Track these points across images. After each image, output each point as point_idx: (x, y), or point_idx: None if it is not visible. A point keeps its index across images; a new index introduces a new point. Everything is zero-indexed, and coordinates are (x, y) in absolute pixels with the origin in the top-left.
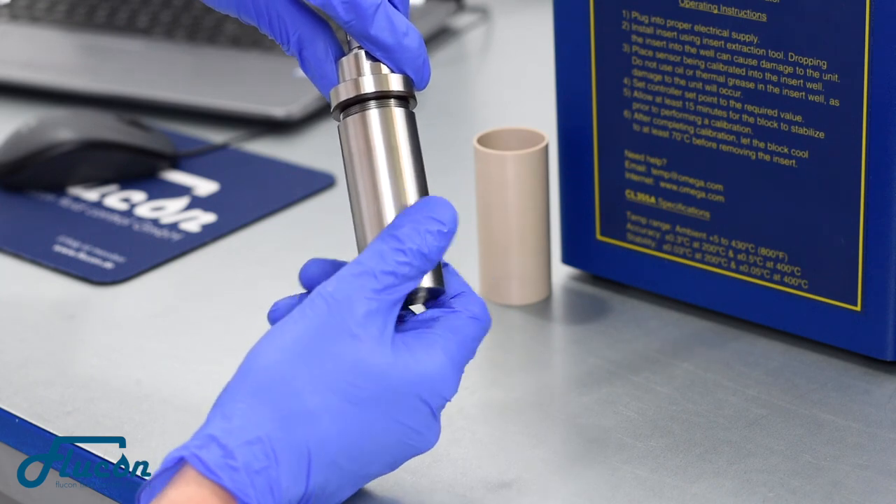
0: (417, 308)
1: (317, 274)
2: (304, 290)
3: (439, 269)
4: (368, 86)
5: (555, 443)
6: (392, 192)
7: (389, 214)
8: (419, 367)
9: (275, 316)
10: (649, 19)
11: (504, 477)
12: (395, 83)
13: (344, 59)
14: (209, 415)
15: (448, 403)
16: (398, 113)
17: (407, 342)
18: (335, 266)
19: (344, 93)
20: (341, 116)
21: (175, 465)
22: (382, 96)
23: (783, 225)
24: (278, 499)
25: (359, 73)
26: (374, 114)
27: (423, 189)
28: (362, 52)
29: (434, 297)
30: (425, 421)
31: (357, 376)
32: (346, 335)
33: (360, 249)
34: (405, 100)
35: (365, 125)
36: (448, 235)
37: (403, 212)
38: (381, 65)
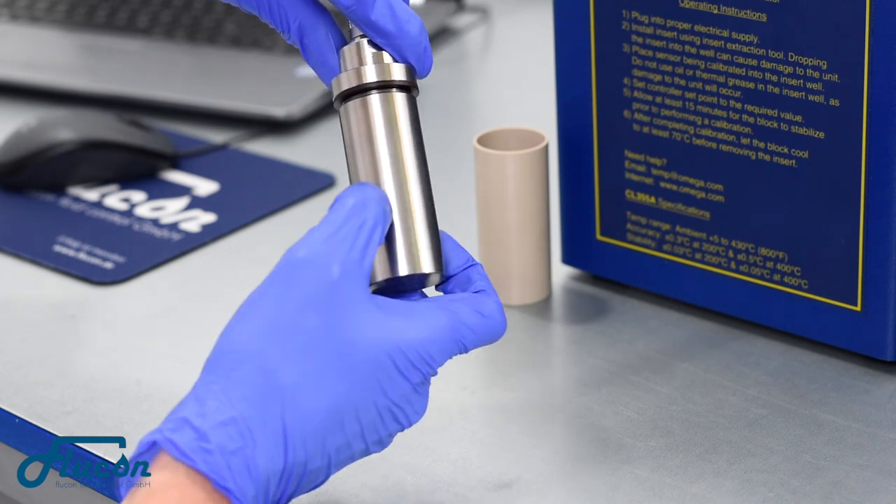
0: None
1: None
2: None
3: (438, 253)
4: (371, 75)
5: (555, 443)
6: (393, 175)
7: (391, 198)
8: (398, 335)
9: None
10: (649, 19)
11: (504, 477)
12: (398, 72)
13: (346, 48)
14: (183, 399)
15: (448, 403)
16: (400, 97)
17: (385, 308)
18: None
19: (346, 82)
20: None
21: (148, 450)
22: (385, 86)
23: (783, 225)
24: (256, 478)
25: (361, 62)
26: (375, 98)
27: (424, 175)
28: (364, 41)
29: (434, 284)
30: (405, 392)
31: (331, 347)
32: (317, 304)
33: None
34: (408, 90)
35: (366, 109)
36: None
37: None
38: (384, 54)
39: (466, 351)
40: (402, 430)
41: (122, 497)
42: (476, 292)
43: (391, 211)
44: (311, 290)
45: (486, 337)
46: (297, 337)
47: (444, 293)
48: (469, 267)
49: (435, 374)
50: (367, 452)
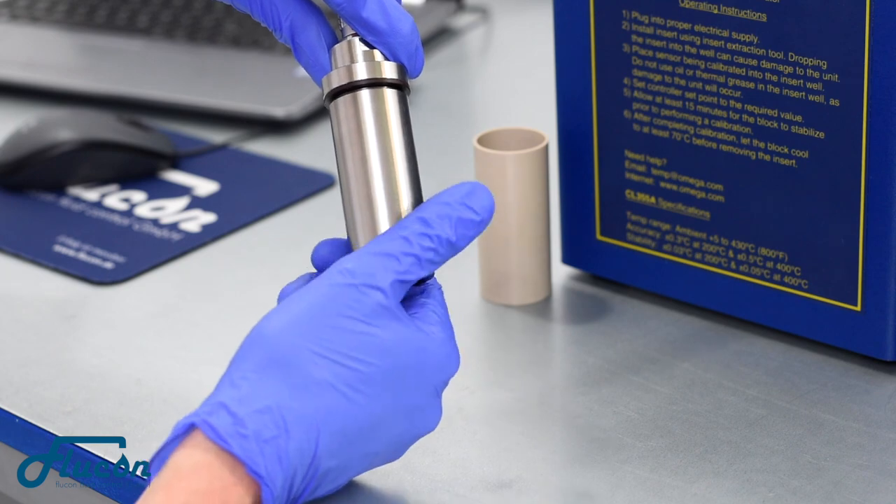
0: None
1: (328, 254)
2: (314, 271)
3: None
4: (361, 73)
5: (555, 443)
6: (382, 171)
7: (379, 197)
8: (425, 344)
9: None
10: (649, 19)
11: (504, 477)
12: (389, 70)
13: (337, 46)
14: (218, 384)
15: (448, 403)
16: (390, 94)
17: (413, 319)
18: (348, 246)
19: (336, 79)
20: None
21: (185, 432)
22: (375, 83)
23: (783, 225)
24: (286, 469)
25: (352, 59)
26: (365, 94)
27: (413, 172)
28: (356, 39)
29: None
30: (428, 399)
31: (365, 351)
32: (357, 311)
33: (348, 233)
34: (399, 88)
35: (356, 105)
36: (480, 225)
37: (436, 196)
38: (375, 52)
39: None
40: (420, 437)
41: (153, 473)
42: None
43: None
44: (355, 298)
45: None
46: (334, 336)
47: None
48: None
49: (453, 375)
50: (384, 460)
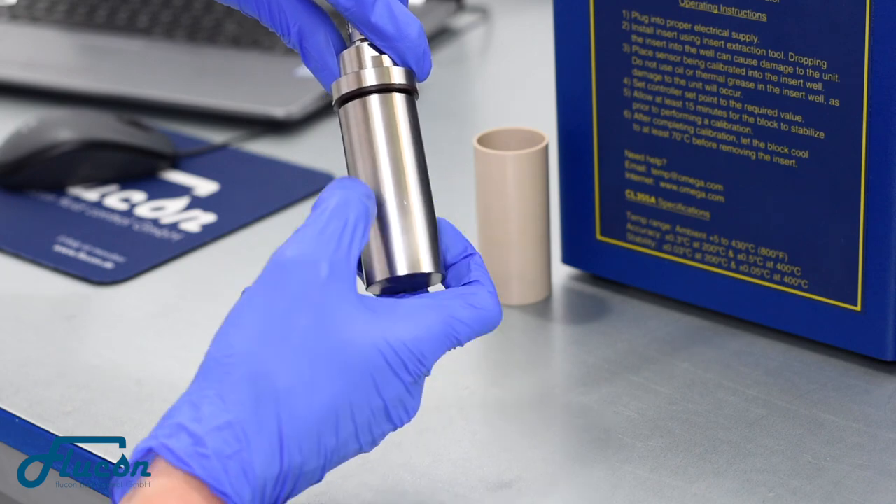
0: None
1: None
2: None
3: (437, 252)
4: (370, 78)
5: (555, 443)
6: (392, 176)
7: (390, 200)
8: (390, 334)
9: None
10: (649, 19)
11: (504, 477)
12: (397, 76)
13: (345, 52)
14: (176, 404)
15: (448, 403)
16: (399, 98)
17: (375, 308)
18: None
19: (346, 85)
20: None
21: (144, 457)
22: (384, 89)
23: (783, 225)
24: (253, 481)
25: (360, 65)
26: (374, 99)
27: (423, 175)
28: (364, 45)
29: (434, 284)
30: (398, 392)
31: (324, 347)
32: (308, 305)
33: None
34: (408, 93)
35: (366, 110)
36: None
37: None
38: (384, 57)
39: (461, 344)
40: (395, 429)
41: (117, 500)
42: (470, 283)
43: (374, 205)
44: (300, 291)
45: (481, 328)
46: (290, 338)
47: (442, 284)
48: (467, 256)
49: (428, 373)
50: (360, 451)
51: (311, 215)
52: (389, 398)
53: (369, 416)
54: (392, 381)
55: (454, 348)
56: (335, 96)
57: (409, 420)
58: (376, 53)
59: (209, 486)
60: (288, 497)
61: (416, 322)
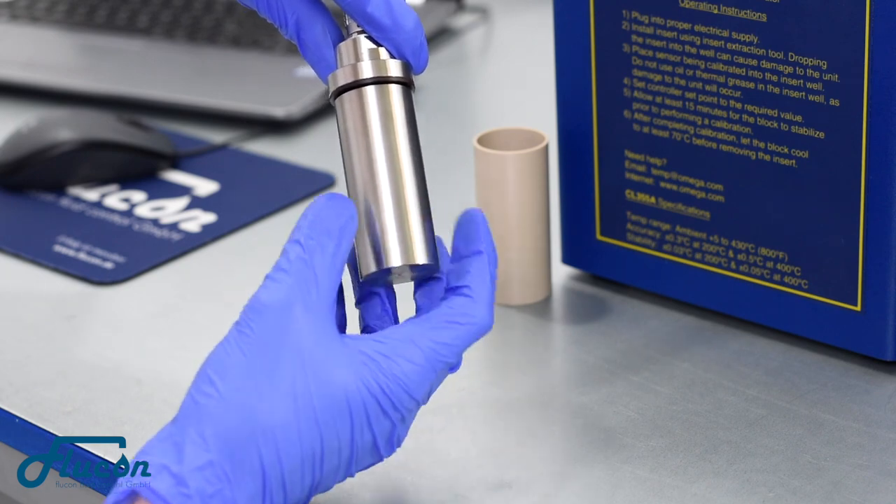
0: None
1: None
2: None
3: (431, 244)
4: (367, 71)
5: (555, 443)
6: (387, 166)
7: (385, 193)
8: (374, 378)
9: None
10: (649, 19)
11: (504, 477)
12: (394, 68)
13: (342, 44)
14: (157, 446)
15: (448, 404)
16: (395, 90)
17: (359, 349)
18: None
19: (342, 77)
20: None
21: (126, 498)
22: (381, 81)
23: (783, 225)
24: None
25: (357, 58)
26: (371, 90)
27: (419, 167)
28: (361, 37)
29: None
30: (387, 428)
31: (307, 389)
32: (290, 345)
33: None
34: (404, 86)
35: (362, 101)
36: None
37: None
38: (381, 50)
39: (455, 364)
40: (382, 460)
41: None
42: (458, 288)
43: (355, 223)
44: (280, 334)
45: (469, 341)
46: (273, 378)
47: (444, 286)
48: (474, 254)
49: (423, 403)
50: (346, 477)
51: (288, 244)
52: (379, 433)
53: (357, 450)
54: (381, 419)
55: (450, 372)
56: (331, 88)
57: (395, 450)
58: (373, 45)
59: None
60: None
61: (400, 363)
